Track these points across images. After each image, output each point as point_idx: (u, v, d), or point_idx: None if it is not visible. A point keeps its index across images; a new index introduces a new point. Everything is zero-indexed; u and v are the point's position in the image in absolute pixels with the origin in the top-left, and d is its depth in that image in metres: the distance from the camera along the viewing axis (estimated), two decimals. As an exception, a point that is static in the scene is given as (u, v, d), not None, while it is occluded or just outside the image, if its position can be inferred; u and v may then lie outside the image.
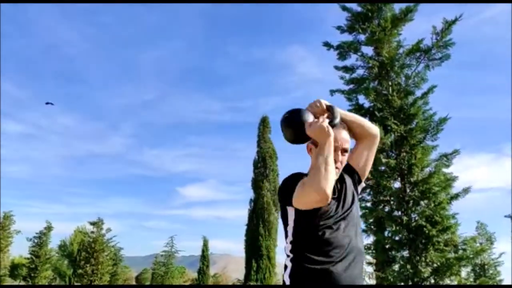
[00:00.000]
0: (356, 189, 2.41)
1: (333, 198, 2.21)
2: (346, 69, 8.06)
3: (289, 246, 2.19)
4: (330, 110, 2.20)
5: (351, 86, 7.84)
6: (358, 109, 7.52)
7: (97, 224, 27.69)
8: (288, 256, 2.20)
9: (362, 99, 7.66)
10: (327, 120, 2.06)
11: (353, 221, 2.26)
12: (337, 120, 2.17)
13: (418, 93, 7.50)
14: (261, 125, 13.33)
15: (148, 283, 65.32)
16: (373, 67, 7.63)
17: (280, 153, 13.23)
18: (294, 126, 2.16)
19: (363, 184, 2.57)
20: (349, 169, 2.41)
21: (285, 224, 2.24)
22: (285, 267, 2.16)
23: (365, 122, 2.33)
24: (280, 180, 11.80)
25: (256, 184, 12.61)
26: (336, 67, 8.16)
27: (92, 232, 27.88)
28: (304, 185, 1.99)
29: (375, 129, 2.37)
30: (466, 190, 7.17)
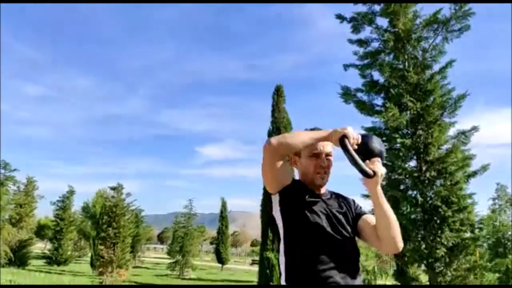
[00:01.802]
0: (352, 228, 2.30)
1: (325, 211, 2.17)
2: (360, 42, 7.75)
3: (283, 261, 2.18)
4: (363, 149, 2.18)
5: (366, 61, 7.55)
6: (373, 86, 7.28)
7: (117, 189, 28.23)
8: (281, 274, 2.23)
9: (376, 75, 7.40)
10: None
11: (347, 237, 2.17)
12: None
13: (436, 67, 7.21)
14: (275, 94, 13.09)
15: (169, 241, 67.31)
16: (389, 41, 7.31)
17: (295, 123, 13.10)
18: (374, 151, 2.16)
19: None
20: (354, 217, 2.32)
21: (277, 230, 2.24)
22: (281, 273, 2.18)
23: (395, 231, 2.04)
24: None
25: (271, 155, 12.55)
26: (350, 41, 7.85)
27: (113, 197, 28.50)
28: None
29: (395, 249, 2.08)
30: (484, 168, 6.99)
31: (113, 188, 28.42)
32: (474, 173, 6.94)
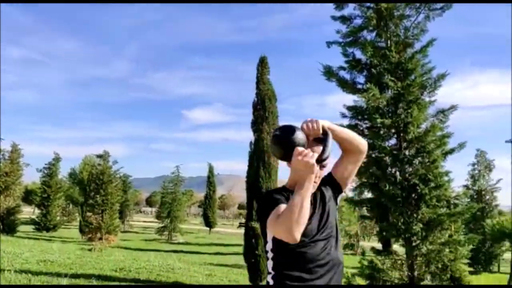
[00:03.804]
0: (336, 199, 2.46)
1: (312, 213, 2.27)
2: (343, 19, 7.72)
3: (271, 263, 2.29)
4: (324, 139, 2.12)
5: (348, 39, 7.55)
6: (355, 65, 7.33)
7: (103, 156, 28.24)
8: (270, 273, 2.31)
9: (359, 54, 7.42)
10: (315, 155, 2.02)
11: (333, 233, 2.32)
12: (327, 159, 2.11)
13: (417, 46, 7.25)
14: (259, 65, 13.00)
15: (157, 205, 67.94)
16: (371, 19, 7.30)
17: (279, 95, 13.11)
18: (284, 146, 2.09)
19: (343, 194, 2.61)
20: (330, 180, 2.45)
21: (264, 239, 2.32)
22: (267, 283, 2.28)
23: (355, 138, 2.31)
24: (280, 122, 11.76)
25: (256, 127, 12.60)
26: (333, 17, 7.82)
27: (99, 164, 28.54)
28: (278, 220, 2.03)
29: (363, 146, 2.37)
30: (461, 145, 7.18)
31: (99, 156, 28.43)
32: (451, 151, 7.15)
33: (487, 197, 25.18)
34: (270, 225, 2.12)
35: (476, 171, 26.35)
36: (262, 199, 2.31)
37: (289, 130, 2.13)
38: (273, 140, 2.23)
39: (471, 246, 7.15)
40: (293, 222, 1.99)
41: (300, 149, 2.01)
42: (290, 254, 2.20)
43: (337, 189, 2.42)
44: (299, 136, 2.08)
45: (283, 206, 2.08)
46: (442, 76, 7.02)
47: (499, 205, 26.37)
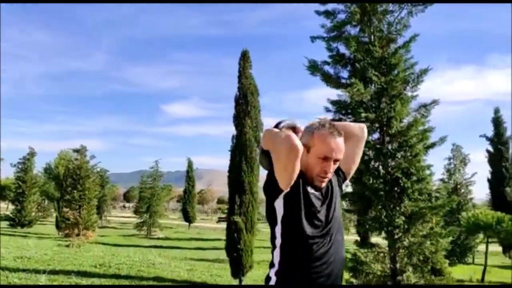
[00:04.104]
0: (341, 188, 2.46)
1: (322, 204, 2.25)
2: (327, 13, 7.74)
3: (277, 257, 2.23)
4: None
5: (332, 34, 7.58)
6: (339, 60, 7.37)
7: (80, 151, 27.73)
8: (273, 265, 2.25)
9: (342, 49, 7.46)
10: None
11: (339, 226, 2.31)
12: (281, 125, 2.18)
13: (400, 41, 7.33)
14: (241, 59, 12.95)
15: (136, 200, 67.27)
16: (355, 13, 7.34)
17: (262, 89, 13.10)
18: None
19: (347, 182, 2.61)
20: (336, 170, 2.44)
21: (272, 225, 2.23)
22: (269, 278, 2.20)
23: (348, 125, 2.35)
24: (262, 117, 11.71)
25: (238, 121, 12.57)
26: (317, 12, 7.83)
27: (76, 159, 28.01)
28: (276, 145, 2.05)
29: (358, 129, 2.36)
30: (442, 139, 7.32)
31: (76, 151, 27.91)
32: (432, 145, 7.27)
33: (462, 190, 25.81)
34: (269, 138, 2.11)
35: (452, 165, 26.98)
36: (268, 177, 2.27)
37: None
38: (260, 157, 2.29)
39: (450, 238, 7.31)
40: (283, 137, 2.01)
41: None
42: (300, 251, 2.14)
43: (342, 176, 2.42)
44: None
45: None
46: (424, 71, 7.13)
47: (474, 198, 27.09)
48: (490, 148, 29.62)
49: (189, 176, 43.38)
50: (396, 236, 7.10)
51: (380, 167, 7.07)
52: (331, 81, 7.37)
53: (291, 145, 1.96)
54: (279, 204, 2.14)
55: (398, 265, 7.16)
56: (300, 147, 1.96)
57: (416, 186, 6.85)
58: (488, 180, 29.92)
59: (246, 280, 12.29)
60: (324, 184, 2.19)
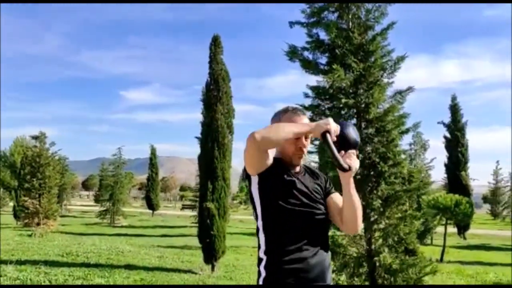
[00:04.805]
0: (326, 189, 2.54)
1: (298, 185, 2.34)
2: (306, -1, 7.76)
3: (263, 238, 2.33)
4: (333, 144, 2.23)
5: (312, 20, 7.62)
6: (319, 46, 7.43)
7: (39, 138, 26.81)
8: (260, 247, 2.36)
9: (322, 35, 7.52)
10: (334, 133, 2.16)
11: (320, 222, 2.38)
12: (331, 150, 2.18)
13: (378, 28, 7.46)
14: (212, 45, 12.79)
15: (96, 188, 65.78)
16: None
17: (233, 75, 13.01)
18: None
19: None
20: (326, 187, 2.58)
21: (254, 209, 2.40)
22: (260, 259, 2.32)
23: (359, 215, 2.41)
24: (238, 102, 11.73)
25: (210, 107, 12.48)
26: (296, -3, 7.85)
27: (35, 146, 27.09)
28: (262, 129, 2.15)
29: (353, 231, 2.50)
30: (416, 125, 7.58)
31: (35, 137, 26.97)
32: (407, 130, 7.51)
33: (422, 175, 26.91)
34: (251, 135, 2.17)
35: (413, 151, 28.06)
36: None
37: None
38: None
39: (422, 220, 7.61)
40: (264, 131, 2.12)
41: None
42: (280, 225, 2.26)
43: (326, 189, 2.51)
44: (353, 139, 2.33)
45: None
46: (401, 59, 7.31)
47: (434, 182, 28.28)
48: (448, 134, 30.86)
49: (153, 163, 42.85)
50: (372, 219, 7.31)
51: (359, 153, 7.23)
52: (311, 67, 7.43)
53: (250, 139, 2.10)
54: (254, 187, 2.30)
55: (373, 247, 7.39)
56: (258, 138, 2.08)
57: (392, 170, 7.07)
58: (445, 165, 31.23)
59: (219, 265, 12.36)
60: (301, 160, 2.38)
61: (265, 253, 2.30)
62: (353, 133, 2.32)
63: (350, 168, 2.28)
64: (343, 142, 2.26)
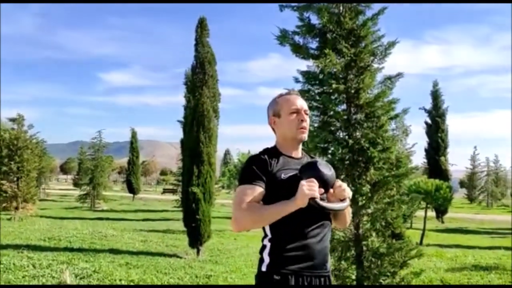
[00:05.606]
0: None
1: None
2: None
3: (267, 226, 2.34)
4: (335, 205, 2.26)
5: (303, 3, 7.51)
6: (310, 30, 7.35)
7: (17, 120, 26.21)
8: (266, 235, 2.35)
9: (314, 20, 7.43)
10: (317, 193, 2.11)
11: (322, 216, 2.39)
12: (319, 207, 2.15)
13: (369, 13, 7.41)
14: (198, 27, 12.57)
15: (74, 172, 64.88)
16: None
17: (219, 58, 12.86)
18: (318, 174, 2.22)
19: None
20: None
21: None
22: (264, 246, 2.32)
23: (348, 218, 2.55)
24: (220, 86, 11.50)
25: (195, 91, 12.33)
26: (287, -20, 7.72)
27: (13, 128, 26.47)
28: (239, 207, 2.20)
29: (343, 226, 2.72)
30: (405, 111, 7.60)
31: (12, 120, 26.38)
32: (396, 116, 7.53)
33: (404, 162, 27.28)
34: (233, 202, 2.25)
35: (395, 136, 28.37)
36: (245, 165, 2.36)
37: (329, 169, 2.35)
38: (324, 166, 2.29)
39: (410, 204, 7.70)
40: (248, 221, 2.21)
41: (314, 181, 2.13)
42: (284, 223, 2.24)
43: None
44: (331, 175, 2.27)
45: (252, 193, 2.21)
46: (392, 44, 7.28)
47: (419, 168, 28.72)
48: (428, 120, 31.27)
49: (133, 147, 42.39)
50: (360, 204, 7.36)
51: (347, 137, 7.23)
52: (301, 51, 7.36)
53: (234, 227, 2.29)
54: None
55: (361, 231, 7.46)
56: (241, 227, 2.25)
57: (381, 155, 7.10)
58: (425, 150, 31.72)
59: (204, 250, 12.36)
60: (305, 135, 2.38)
61: (270, 240, 2.29)
62: (326, 170, 2.28)
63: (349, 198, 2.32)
64: (325, 184, 2.24)
